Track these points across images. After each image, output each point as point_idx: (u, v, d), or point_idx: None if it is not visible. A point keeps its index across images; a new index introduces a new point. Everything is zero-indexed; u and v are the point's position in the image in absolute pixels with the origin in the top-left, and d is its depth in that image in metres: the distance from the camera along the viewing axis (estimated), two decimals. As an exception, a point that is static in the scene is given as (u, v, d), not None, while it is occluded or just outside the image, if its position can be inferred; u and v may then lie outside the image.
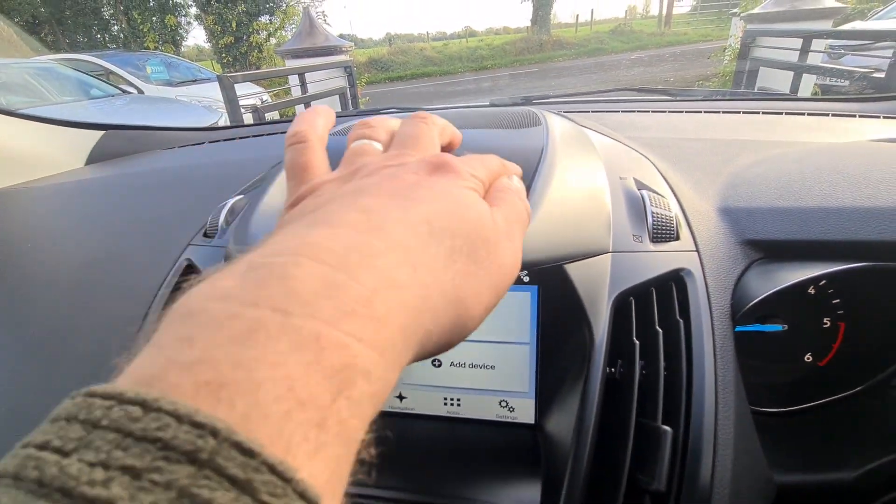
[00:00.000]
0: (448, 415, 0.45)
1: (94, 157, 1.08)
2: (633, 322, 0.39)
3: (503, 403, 0.44)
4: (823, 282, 0.50)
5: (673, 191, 0.51)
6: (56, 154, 1.03)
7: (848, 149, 0.56)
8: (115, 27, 12.52)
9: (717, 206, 0.49)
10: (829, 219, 0.43)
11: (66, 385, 0.48)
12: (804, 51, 3.36)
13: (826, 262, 0.41)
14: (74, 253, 0.61)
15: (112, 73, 5.79)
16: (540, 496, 0.36)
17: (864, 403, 0.47)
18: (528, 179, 0.41)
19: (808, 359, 0.52)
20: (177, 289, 0.50)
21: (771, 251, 0.44)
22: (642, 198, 0.46)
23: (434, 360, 0.43)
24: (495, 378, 0.43)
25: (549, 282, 0.39)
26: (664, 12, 16.82)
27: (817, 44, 3.50)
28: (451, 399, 0.44)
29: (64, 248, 0.63)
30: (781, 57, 3.57)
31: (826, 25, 4.03)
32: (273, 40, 11.46)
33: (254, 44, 11.30)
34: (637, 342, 0.38)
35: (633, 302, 0.40)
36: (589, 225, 0.41)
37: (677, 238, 0.44)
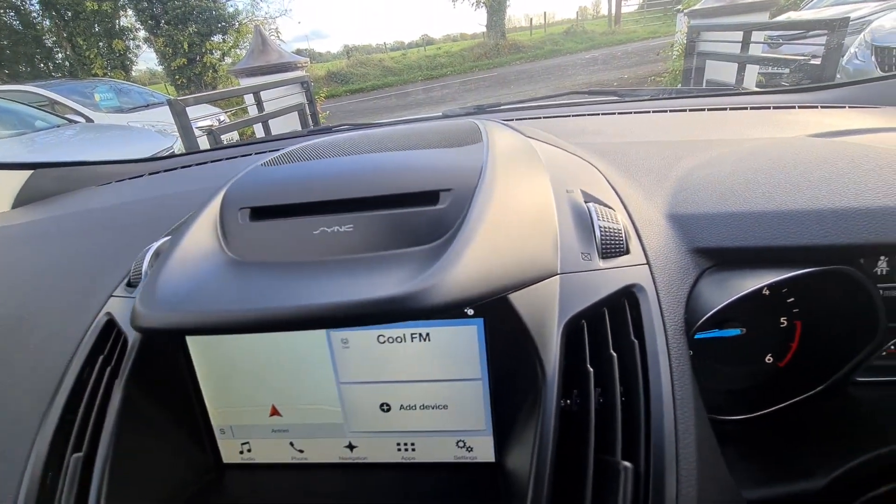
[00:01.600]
0: (403, 461, 0.42)
1: (22, 199, 1.01)
2: (586, 348, 0.37)
3: (460, 444, 0.41)
4: (777, 281, 0.49)
5: (622, 200, 0.50)
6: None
7: (789, 146, 0.56)
8: (60, 55, 11.98)
9: (666, 212, 0.48)
10: (774, 223, 0.42)
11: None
12: (745, 43, 3.52)
13: (776, 268, 0.41)
14: None
15: (57, 103, 5.53)
16: None
17: (825, 406, 0.46)
18: (466, 204, 0.38)
19: (769, 360, 0.51)
20: (92, 358, 0.45)
21: (721, 258, 0.43)
22: (589, 212, 0.45)
23: (382, 405, 0.40)
24: (450, 418, 0.40)
25: (493, 313, 0.36)
26: (613, 12, 17.38)
27: (757, 35, 3.67)
28: (405, 444, 0.41)
29: None
30: (725, 50, 3.73)
31: (763, 17, 4.24)
32: (228, 59, 11.23)
33: (207, 64, 11.05)
34: (591, 370, 0.36)
35: (585, 326, 0.38)
36: (534, 248, 0.39)
37: (627, 252, 0.43)
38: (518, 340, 0.36)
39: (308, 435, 0.42)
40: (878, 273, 0.45)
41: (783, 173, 0.47)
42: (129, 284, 0.50)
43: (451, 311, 0.31)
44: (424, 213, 0.39)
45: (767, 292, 0.50)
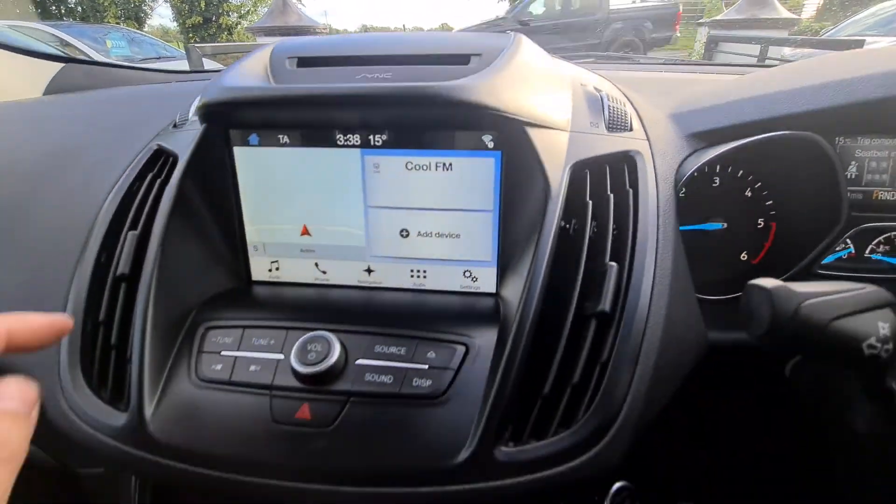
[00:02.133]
0: (414, 286, 0.47)
1: (52, 90, 1.04)
2: (587, 189, 0.42)
3: (467, 273, 0.46)
4: (759, 184, 0.55)
5: (630, 102, 0.55)
6: (11, 81, 0.99)
7: (783, 66, 0.61)
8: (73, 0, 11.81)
9: (668, 114, 0.54)
10: (752, 105, 0.48)
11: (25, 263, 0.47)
12: (762, 58, 3.58)
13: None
14: (32, 148, 0.60)
15: (68, 44, 5.46)
16: (498, 329, 0.38)
17: None
18: (495, 53, 0.43)
19: (744, 257, 0.57)
20: (141, 178, 0.49)
21: (709, 139, 0.49)
22: (600, 96, 0.50)
23: (402, 231, 0.46)
24: (460, 248, 0.45)
25: (511, 147, 0.41)
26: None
27: (774, 51, 3.73)
28: (418, 271, 0.47)
29: (20, 148, 0.61)
30: (741, 62, 3.78)
31: (782, 34, 4.30)
32: (244, 23, 11.11)
33: (223, 25, 10.93)
34: (590, 202, 0.41)
35: (588, 174, 0.43)
36: (551, 102, 0.44)
37: (630, 129, 0.48)
38: (530, 173, 0.41)
39: (332, 256, 0.47)
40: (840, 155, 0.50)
41: (774, 78, 0.53)
42: (175, 126, 0.55)
43: (479, 111, 0.36)
44: (456, 69, 0.44)
45: (750, 193, 0.55)
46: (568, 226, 0.41)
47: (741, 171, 0.55)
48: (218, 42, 10.82)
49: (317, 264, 0.48)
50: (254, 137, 0.44)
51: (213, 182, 0.45)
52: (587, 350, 0.35)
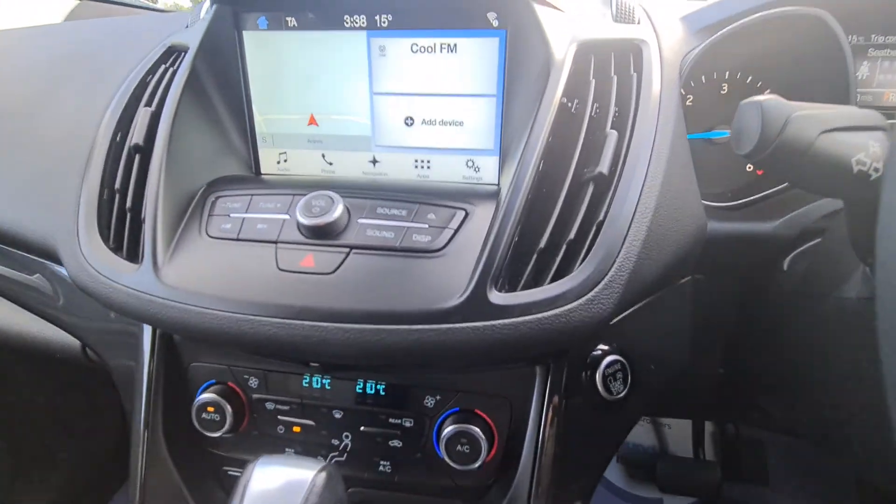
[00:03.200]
0: (418, 178, 0.48)
1: (69, 25, 1.06)
2: (591, 71, 0.43)
3: (470, 163, 0.47)
4: (768, 91, 0.55)
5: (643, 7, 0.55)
6: (30, 16, 1.00)
7: None
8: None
9: (679, 16, 0.53)
10: None
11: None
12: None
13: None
14: (48, 53, 0.61)
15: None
16: (496, 202, 0.39)
17: (789, 194, 0.52)
18: None
19: (749, 168, 0.57)
20: (153, 72, 0.51)
21: (713, 31, 0.48)
22: None
23: (406, 119, 0.46)
24: (463, 135, 0.46)
25: (517, 24, 0.42)
26: None
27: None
28: (422, 161, 0.48)
29: (35, 53, 0.63)
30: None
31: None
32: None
33: (236, -1, 10.82)
34: (593, 80, 0.41)
35: (592, 58, 0.44)
36: None
37: (637, 23, 0.48)
38: (535, 53, 0.42)
39: (339, 147, 0.48)
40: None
41: None
42: (187, 27, 0.56)
43: None
44: None
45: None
46: (570, 104, 0.41)
47: (750, 77, 0.54)
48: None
49: (324, 155, 0.49)
50: (262, 20, 0.45)
51: (224, 68, 0.46)
52: (584, 210, 0.35)
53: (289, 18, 0.44)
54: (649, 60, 0.44)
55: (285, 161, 0.50)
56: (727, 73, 0.54)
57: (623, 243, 0.34)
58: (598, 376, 0.39)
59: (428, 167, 0.48)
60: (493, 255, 0.34)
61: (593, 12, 0.46)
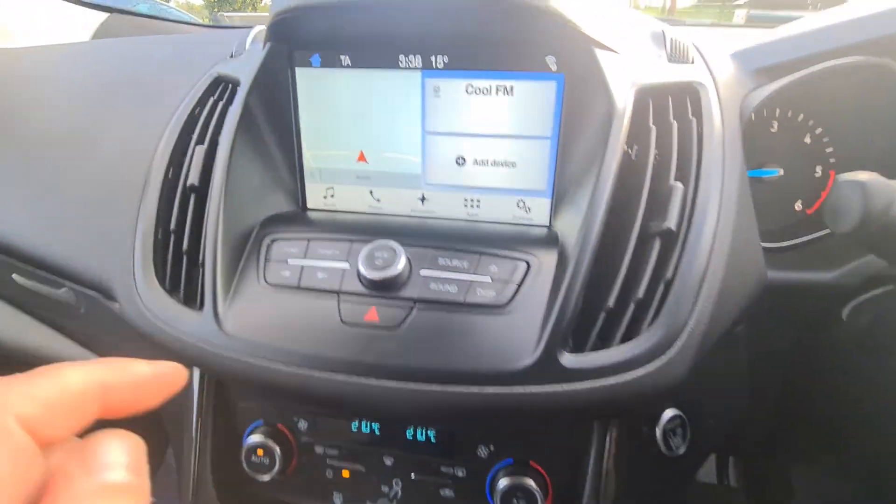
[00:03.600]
0: (468, 217, 0.48)
1: (98, 38, 1.07)
2: (650, 115, 0.42)
3: (520, 204, 0.46)
4: (819, 130, 0.54)
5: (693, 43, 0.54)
6: (59, 30, 1.01)
7: None
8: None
9: (730, 52, 0.52)
10: (826, 33, 0.46)
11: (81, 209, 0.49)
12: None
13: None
14: (93, 79, 0.61)
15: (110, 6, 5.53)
16: (557, 251, 0.39)
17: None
18: None
19: (798, 207, 0.56)
20: (202, 104, 0.51)
21: (774, 74, 0.47)
22: (661, 30, 0.49)
23: (458, 158, 0.46)
24: (514, 176, 0.45)
25: (576, 69, 0.41)
26: (667, 5, 16.77)
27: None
28: (472, 200, 0.47)
29: (81, 78, 0.63)
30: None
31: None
32: (268, -2, 11.09)
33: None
34: (653, 127, 0.41)
35: (650, 102, 0.43)
36: (616, 28, 0.43)
37: (692, 63, 0.47)
38: (594, 97, 0.41)
39: (387, 184, 0.48)
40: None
41: (845, 10, 0.51)
42: (232, 56, 0.55)
43: (550, 20, 0.36)
44: None
45: (809, 140, 0.54)
46: (630, 151, 0.41)
47: (801, 116, 0.53)
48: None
49: (371, 192, 0.49)
50: (316, 58, 0.45)
51: (275, 104, 0.46)
52: (652, 267, 0.35)
53: (343, 57, 0.44)
54: (708, 104, 0.43)
55: (332, 196, 0.50)
56: (777, 111, 0.53)
57: (695, 304, 0.34)
58: (657, 432, 0.38)
59: (478, 206, 0.47)
60: (562, 313, 0.33)
61: (648, 54, 0.46)
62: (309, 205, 0.50)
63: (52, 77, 0.66)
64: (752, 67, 0.48)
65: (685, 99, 0.44)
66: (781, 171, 0.54)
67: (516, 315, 0.35)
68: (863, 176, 0.28)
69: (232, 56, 0.55)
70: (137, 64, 0.65)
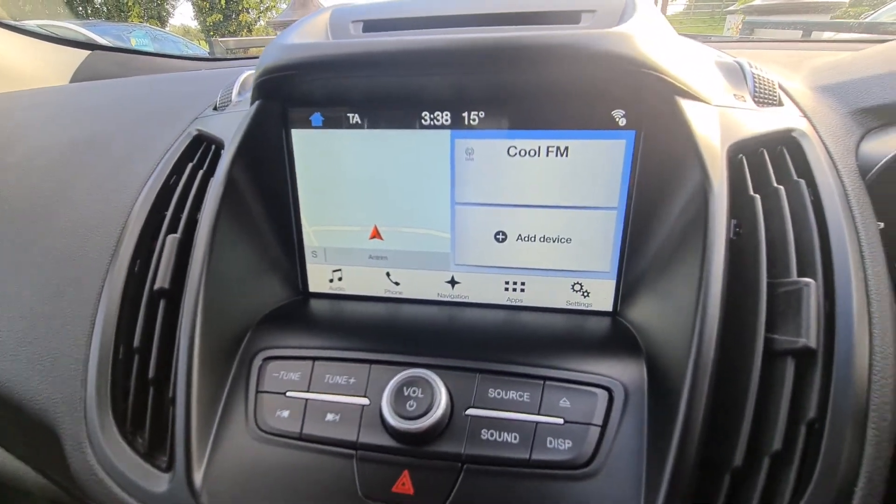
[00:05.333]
0: (509, 303, 0.38)
1: (79, 77, 0.99)
2: (747, 179, 0.33)
3: (577, 286, 0.37)
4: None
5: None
6: (39, 69, 0.93)
7: None
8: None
9: (812, 85, 0.43)
10: None
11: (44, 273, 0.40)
12: (805, 41, 3.37)
13: None
14: (56, 139, 0.52)
15: (94, 42, 5.55)
16: (645, 364, 0.29)
17: None
18: (615, 9, 0.33)
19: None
20: (177, 171, 0.41)
21: (888, 117, 0.38)
22: (740, 64, 0.40)
23: (497, 234, 0.37)
24: (569, 255, 0.36)
25: (653, 123, 0.32)
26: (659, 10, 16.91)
27: (817, 35, 3.51)
28: (515, 283, 0.38)
29: (44, 138, 0.54)
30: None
31: (825, 19, 4.06)
32: (263, 21, 11.19)
33: (243, 23, 11.00)
34: (757, 196, 0.31)
35: (744, 160, 0.34)
36: (694, 66, 0.34)
37: (780, 104, 0.38)
38: (676, 159, 0.32)
39: (408, 265, 0.39)
40: None
41: None
42: (216, 109, 0.47)
43: (615, 63, 0.27)
44: (563, 31, 0.35)
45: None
46: (733, 231, 0.31)
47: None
48: (237, 37, 10.88)
49: (388, 274, 0.39)
50: (317, 117, 0.36)
51: (266, 173, 0.37)
52: (788, 402, 0.25)
53: (351, 115, 0.35)
54: (817, 159, 0.34)
55: (340, 280, 0.40)
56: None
57: (861, 456, 0.24)
58: None
59: (522, 290, 0.38)
60: (677, 479, 0.23)
61: (730, 96, 0.37)
62: (312, 289, 0.41)
63: (17, 129, 0.57)
64: (852, 107, 0.39)
65: (782, 153, 0.35)
66: (882, 224, 0.45)
67: (603, 478, 0.25)
68: None
69: (216, 108, 0.46)
70: (111, 115, 0.56)
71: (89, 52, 0.99)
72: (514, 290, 0.38)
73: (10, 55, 0.89)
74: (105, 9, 11.83)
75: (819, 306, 0.27)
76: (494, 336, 0.34)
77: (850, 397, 0.25)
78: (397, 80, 0.32)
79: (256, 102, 0.35)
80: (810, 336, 0.26)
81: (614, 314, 0.37)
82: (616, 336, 0.34)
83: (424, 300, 0.39)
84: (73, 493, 0.39)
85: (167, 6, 11.97)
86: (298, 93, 0.34)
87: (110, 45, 1.07)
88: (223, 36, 10.99)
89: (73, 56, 0.99)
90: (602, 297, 0.37)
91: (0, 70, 0.86)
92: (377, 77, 0.31)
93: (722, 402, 0.26)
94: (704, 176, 0.30)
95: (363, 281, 0.40)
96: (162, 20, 11.86)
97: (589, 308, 0.37)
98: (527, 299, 0.38)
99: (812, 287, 0.27)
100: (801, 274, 0.28)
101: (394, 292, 0.40)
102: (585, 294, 0.37)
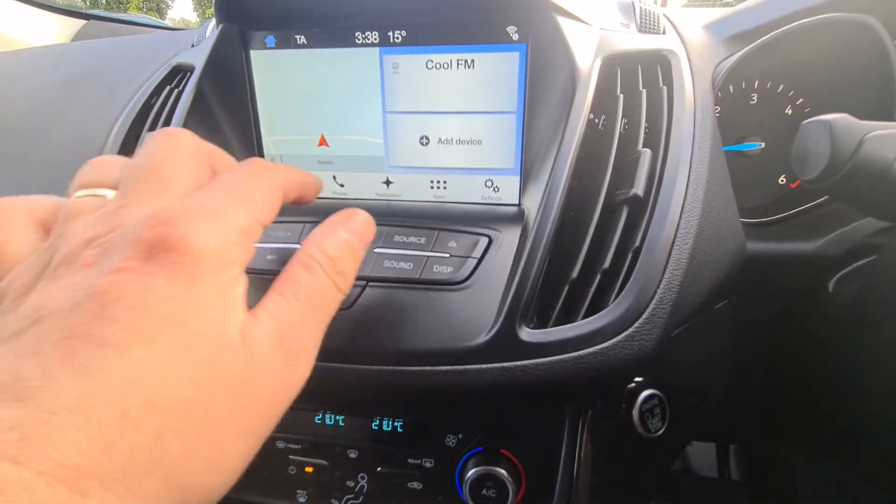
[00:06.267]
0: (434, 199, 0.46)
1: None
2: (618, 84, 0.40)
3: (489, 183, 0.44)
4: (801, 101, 0.52)
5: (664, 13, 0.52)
6: (38, 35, 1.00)
7: None
8: (97, -9, 12.04)
9: (703, 24, 0.51)
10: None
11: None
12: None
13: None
14: (54, 77, 0.60)
15: (90, 12, 5.59)
16: (521, 225, 0.37)
17: (829, 208, 0.49)
18: None
19: (782, 181, 0.54)
20: (157, 93, 0.49)
21: (748, 40, 0.45)
22: (631, 0, 0.47)
23: (422, 138, 0.44)
24: (481, 155, 0.44)
25: (538, 38, 0.39)
26: (658, 4, 16.88)
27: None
28: (438, 182, 0.45)
29: (44, 78, 0.62)
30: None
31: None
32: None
33: (242, 14, 11.03)
34: (621, 95, 0.39)
35: (618, 71, 0.41)
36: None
37: (663, 33, 0.45)
38: (556, 70, 0.39)
39: (350, 168, 0.46)
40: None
41: None
42: (193, 46, 0.54)
43: None
44: None
45: (790, 111, 0.52)
46: (597, 120, 0.39)
47: (781, 87, 0.51)
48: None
49: (335, 177, 0.47)
50: (270, 39, 0.43)
51: (231, 89, 0.44)
52: (618, 235, 0.33)
53: (297, 36, 0.43)
54: (679, 72, 0.41)
55: (295, 183, 0.48)
56: (756, 82, 0.52)
57: (664, 272, 0.31)
58: (634, 413, 0.36)
59: (445, 188, 0.45)
60: (521, 286, 0.31)
61: (616, 23, 0.44)
62: (272, 193, 0.48)
63: (17, 78, 0.65)
64: (724, 36, 0.47)
65: (655, 67, 0.42)
66: (763, 145, 0.53)
67: (475, 291, 0.33)
68: (830, 117, 0.26)
69: (193, 46, 0.54)
70: (104, 59, 0.64)
71: (85, 21, 1.06)
72: (439, 187, 0.45)
73: (10, 22, 0.96)
74: (104, 0, 11.86)
75: (651, 168, 0.34)
76: (416, 213, 0.42)
77: (663, 230, 0.32)
78: (335, 2, 0.40)
79: (219, 27, 0.42)
80: (640, 188, 0.33)
81: (518, 205, 0.44)
82: (510, 215, 0.41)
83: (365, 199, 0.47)
84: None
85: (166, -2, 12.00)
86: (252, 12, 0.41)
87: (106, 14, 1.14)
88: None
89: (71, 26, 1.06)
90: (509, 191, 0.44)
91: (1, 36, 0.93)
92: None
93: (571, 239, 0.33)
94: (575, 76, 0.38)
95: (314, 184, 0.47)
96: (161, 12, 11.91)
97: (500, 202, 0.45)
98: (449, 195, 0.45)
99: (647, 155, 0.35)
100: (645, 147, 0.36)
101: (339, 193, 0.47)
102: (496, 189, 0.45)
